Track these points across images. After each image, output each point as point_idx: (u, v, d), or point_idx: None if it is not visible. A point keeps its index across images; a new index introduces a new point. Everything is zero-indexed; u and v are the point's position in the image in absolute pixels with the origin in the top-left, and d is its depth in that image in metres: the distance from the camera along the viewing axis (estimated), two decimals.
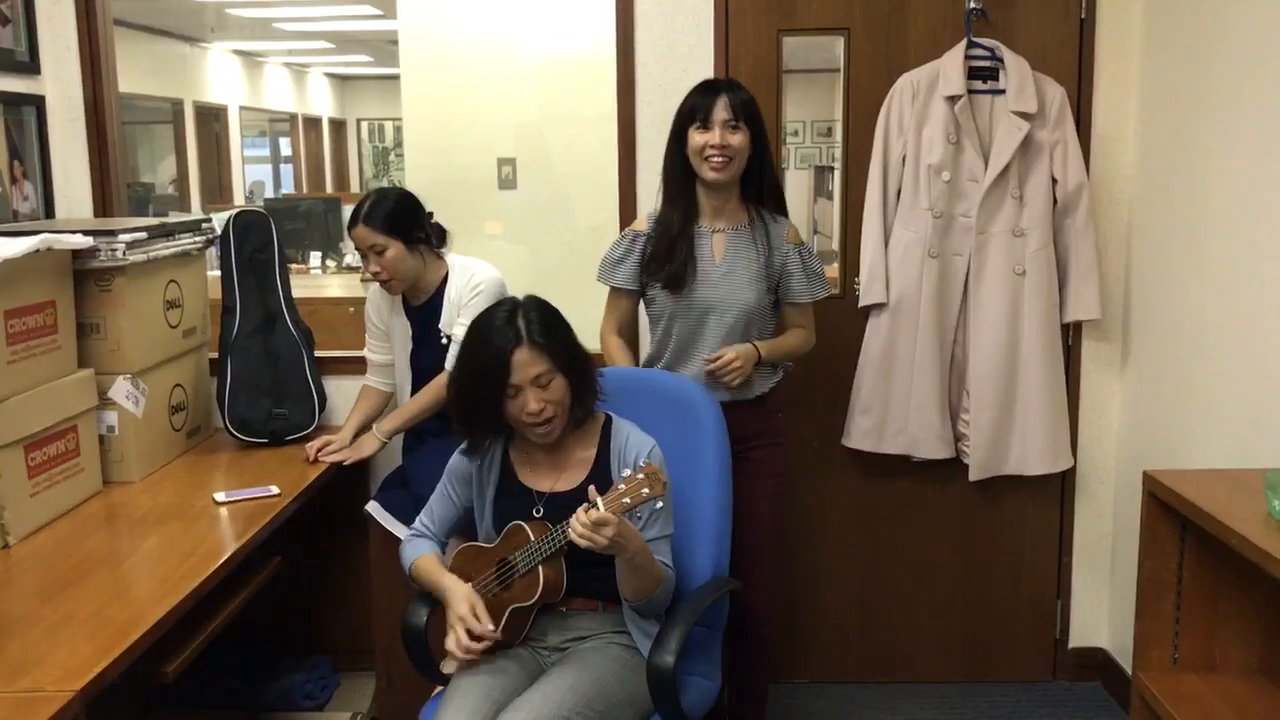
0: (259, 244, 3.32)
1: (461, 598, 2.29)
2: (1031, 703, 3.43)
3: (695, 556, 2.50)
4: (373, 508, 3.05)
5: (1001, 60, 3.19)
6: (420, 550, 2.46)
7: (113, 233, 2.78)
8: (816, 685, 3.52)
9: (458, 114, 4.47)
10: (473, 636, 2.24)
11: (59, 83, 3.30)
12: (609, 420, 2.41)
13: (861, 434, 3.36)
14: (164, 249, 2.98)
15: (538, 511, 2.34)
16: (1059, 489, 3.46)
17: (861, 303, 3.31)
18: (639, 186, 3.37)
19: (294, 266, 7.73)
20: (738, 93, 2.72)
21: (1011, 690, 3.50)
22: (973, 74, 3.20)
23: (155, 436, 3.00)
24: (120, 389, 2.85)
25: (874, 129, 3.26)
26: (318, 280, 7.47)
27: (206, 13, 9.89)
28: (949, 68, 3.19)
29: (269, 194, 12.85)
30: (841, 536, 3.50)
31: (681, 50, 3.31)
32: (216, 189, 11.73)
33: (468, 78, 4.44)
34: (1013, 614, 3.53)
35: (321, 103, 15.41)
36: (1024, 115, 3.16)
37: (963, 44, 3.19)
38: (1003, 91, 3.19)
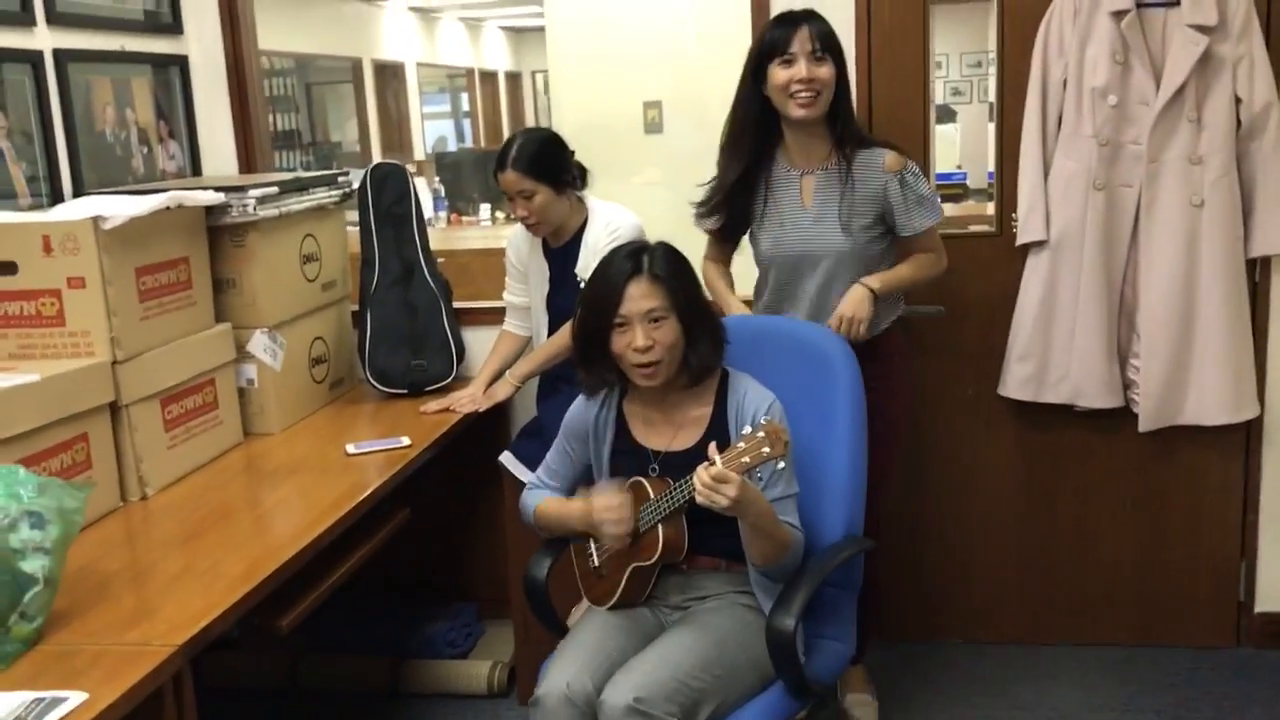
0: (396, 196, 3.31)
1: (593, 499, 2.24)
2: (1211, 670, 3.17)
3: (826, 515, 2.36)
4: (506, 458, 3.02)
5: None
6: (541, 496, 2.42)
7: (244, 188, 2.80)
8: (971, 645, 3.33)
9: (604, 56, 4.39)
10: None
11: (200, 42, 3.35)
12: (725, 375, 2.29)
13: (1020, 383, 3.13)
14: (297, 203, 3.00)
15: (653, 470, 2.25)
16: (1243, 440, 3.15)
17: (1019, 240, 3.07)
18: None
19: (465, 219, 7.87)
20: (818, 23, 2.58)
21: (1188, 656, 3.24)
22: None
23: (295, 389, 3.04)
24: (258, 342, 2.89)
25: (1031, 52, 3.01)
26: (487, 232, 7.55)
27: None
28: None
29: (451, 148, 13.07)
30: (999, 491, 3.29)
31: None
32: (397, 146, 12.00)
33: (614, 20, 4.36)
34: (1190, 574, 3.25)
35: (497, 56, 15.58)
36: (1202, 29, 2.85)
37: None
38: (1177, 3, 2.88)
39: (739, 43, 3.29)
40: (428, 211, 7.72)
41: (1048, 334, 3.08)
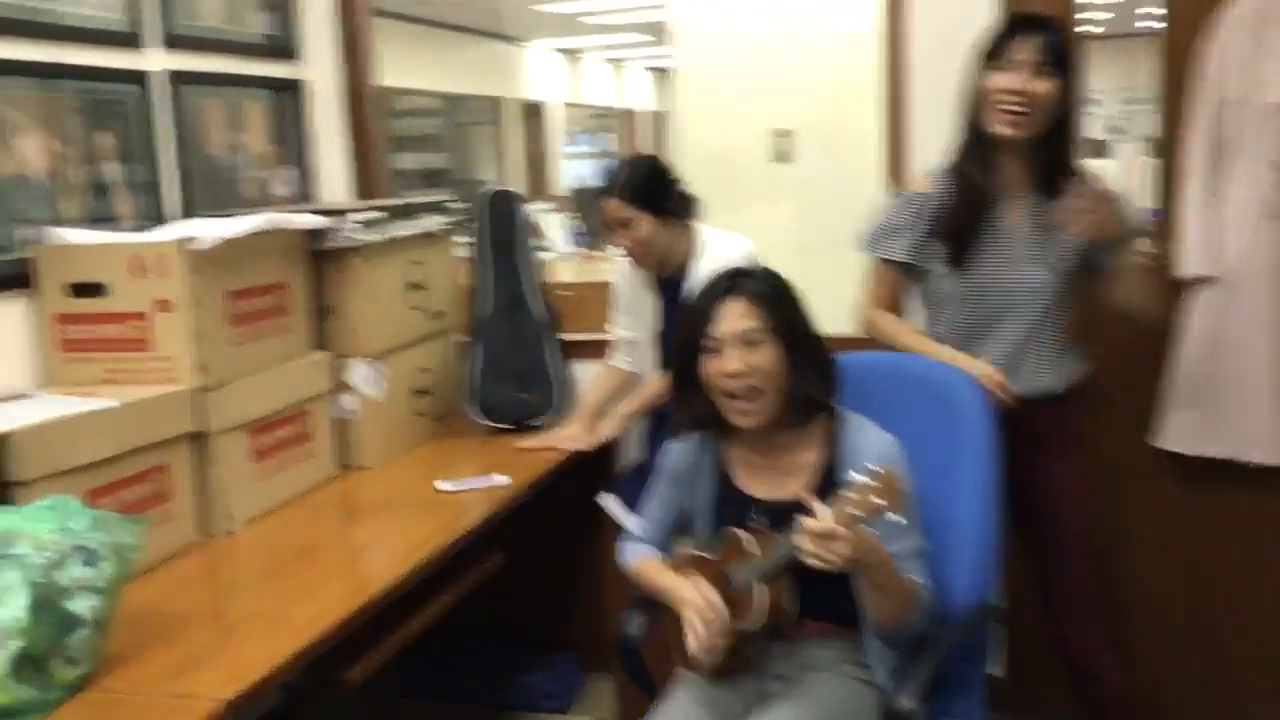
0: (506, 223, 3.20)
1: (691, 589, 1.99)
2: None
3: (953, 580, 2.09)
4: (606, 500, 2.86)
5: None
6: (640, 554, 2.22)
7: (345, 212, 2.71)
8: None
9: (731, 84, 4.23)
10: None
11: (319, 69, 3.30)
12: (838, 416, 2.06)
13: (1180, 433, 2.82)
14: (403, 229, 2.90)
15: (754, 520, 2.02)
16: None
17: (1179, 273, 2.76)
18: (914, 154, 2.98)
19: (596, 254, 7.80)
20: (1053, 33, 2.26)
21: None
22: None
23: (397, 421, 2.93)
24: (357, 372, 2.79)
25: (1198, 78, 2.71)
26: (620, 266, 7.43)
27: (522, 13, 10.13)
28: None
29: None
30: (1155, 556, 2.96)
31: None
32: (541, 184, 12.07)
33: (743, 47, 4.20)
34: None
35: (641, 96, 15.60)
36: None
37: None
38: None
39: (878, 73, 3.09)
40: (563, 246, 7.71)
41: (1212, 379, 2.76)
